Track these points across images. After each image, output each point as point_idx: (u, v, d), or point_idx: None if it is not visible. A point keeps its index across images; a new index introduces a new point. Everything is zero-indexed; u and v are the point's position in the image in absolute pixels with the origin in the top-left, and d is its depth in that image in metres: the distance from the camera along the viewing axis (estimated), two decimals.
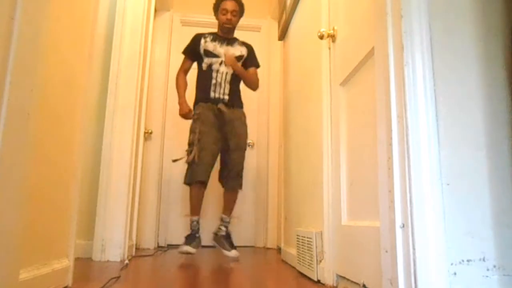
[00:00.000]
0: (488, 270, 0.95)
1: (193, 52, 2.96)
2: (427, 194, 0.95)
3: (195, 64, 3.01)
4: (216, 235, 2.79)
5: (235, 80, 2.91)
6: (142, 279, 1.83)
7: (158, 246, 3.50)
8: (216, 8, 3.02)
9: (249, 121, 3.51)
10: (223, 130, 2.80)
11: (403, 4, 1.04)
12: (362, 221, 1.43)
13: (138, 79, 2.70)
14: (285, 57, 3.20)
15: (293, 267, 2.27)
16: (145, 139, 3.23)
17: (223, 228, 2.79)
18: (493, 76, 1.04)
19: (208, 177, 2.71)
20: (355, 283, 1.45)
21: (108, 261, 2.39)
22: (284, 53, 3.26)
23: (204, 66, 2.90)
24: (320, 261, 1.78)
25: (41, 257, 1.32)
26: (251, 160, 3.79)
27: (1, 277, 0.94)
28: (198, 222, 2.72)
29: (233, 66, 2.85)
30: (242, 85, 2.99)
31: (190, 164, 2.69)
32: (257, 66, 3.04)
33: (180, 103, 2.86)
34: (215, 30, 3.06)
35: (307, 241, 1.94)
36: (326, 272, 1.73)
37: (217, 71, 2.86)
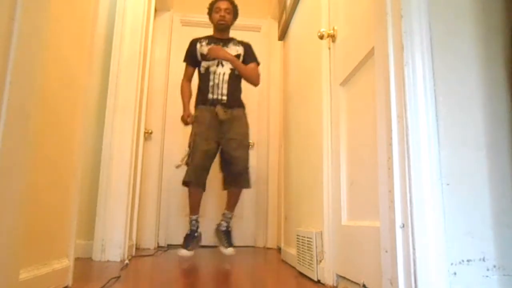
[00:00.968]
0: (488, 270, 0.95)
1: (192, 58, 2.97)
2: (427, 194, 0.95)
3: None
4: (217, 229, 2.84)
5: (234, 79, 2.89)
6: (142, 279, 1.83)
7: (158, 246, 3.50)
8: (210, 11, 3.04)
9: (249, 121, 3.51)
10: (222, 130, 2.79)
11: (403, 4, 1.04)
12: (362, 221, 1.43)
13: (138, 79, 2.70)
14: (285, 57, 3.20)
15: (293, 267, 2.27)
16: (145, 139, 3.23)
17: (224, 224, 2.81)
18: (493, 76, 1.04)
19: (200, 178, 2.70)
20: (355, 283, 1.45)
21: (108, 261, 2.39)
22: (284, 53, 3.26)
23: (202, 69, 2.91)
24: (320, 261, 1.78)
25: (41, 257, 1.32)
26: (251, 160, 3.76)
27: (1, 277, 0.94)
28: (197, 220, 2.75)
29: (223, 57, 2.82)
30: (244, 84, 2.98)
31: (189, 170, 2.73)
32: (257, 63, 3.00)
33: (183, 109, 2.90)
34: (211, 33, 3.06)
35: (307, 241, 1.94)
36: (326, 272, 1.73)
37: (214, 72, 2.87)
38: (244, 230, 3.73)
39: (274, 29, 3.83)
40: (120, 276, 1.80)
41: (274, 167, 3.69)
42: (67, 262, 1.51)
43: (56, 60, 1.37)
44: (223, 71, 2.87)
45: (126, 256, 2.49)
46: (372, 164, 1.34)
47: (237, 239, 3.65)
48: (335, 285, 1.70)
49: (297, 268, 2.14)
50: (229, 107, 2.83)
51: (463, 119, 1.01)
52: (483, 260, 0.95)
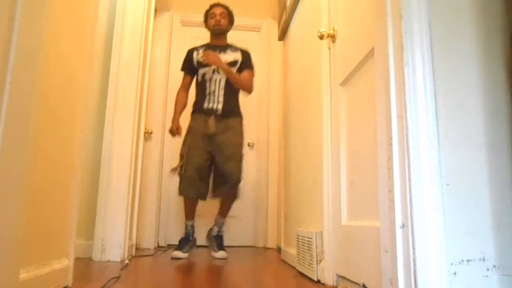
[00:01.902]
0: (488, 270, 0.95)
1: (189, 66, 2.98)
2: (427, 194, 0.95)
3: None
4: (208, 234, 2.95)
5: (231, 86, 2.88)
6: (142, 279, 1.83)
7: (158, 246, 3.50)
8: (206, 18, 3.05)
9: (249, 121, 3.52)
10: (215, 141, 2.79)
11: (403, 4, 1.04)
12: (362, 221, 1.43)
13: (138, 79, 2.70)
14: (285, 57, 3.20)
15: (293, 267, 2.27)
16: (145, 139, 3.23)
17: (216, 228, 2.91)
18: (493, 76, 1.04)
19: (193, 190, 2.75)
20: (355, 283, 1.45)
21: (108, 261, 2.39)
22: (284, 53, 3.26)
23: (199, 77, 2.93)
24: (320, 261, 1.78)
25: (41, 257, 1.32)
26: (251, 160, 3.79)
27: (1, 277, 0.94)
28: (192, 225, 2.86)
29: (217, 64, 2.80)
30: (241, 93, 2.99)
31: (180, 177, 2.78)
32: (252, 71, 2.97)
33: (172, 120, 2.93)
34: (208, 39, 3.08)
35: (307, 241, 1.94)
36: (326, 272, 1.73)
37: (210, 79, 2.88)
38: (244, 230, 3.73)
39: (274, 29, 3.83)
40: (120, 276, 1.80)
41: (274, 167, 3.69)
42: (67, 262, 1.51)
43: (56, 60, 1.37)
44: (219, 77, 2.87)
45: (126, 256, 2.49)
46: (372, 164, 1.34)
47: (237, 239, 3.66)
48: (335, 285, 1.70)
49: (297, 268, 2.14)
50: (224, 117, 2.82)
51: (463, 119, 1.01)
52: (483, 260, 0.95)
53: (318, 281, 1.77)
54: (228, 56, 2.94)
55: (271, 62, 3.87)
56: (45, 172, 1.32)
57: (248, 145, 3.81)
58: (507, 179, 0.99)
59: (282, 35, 3.22)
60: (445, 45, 1.04)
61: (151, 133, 3.48)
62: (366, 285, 1.33)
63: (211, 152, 2.79)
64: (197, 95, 2.94)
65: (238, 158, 2.80)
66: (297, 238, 2.17)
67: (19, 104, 0.99)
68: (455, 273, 0.94)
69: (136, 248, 2.98)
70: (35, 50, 1.07)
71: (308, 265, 1.90)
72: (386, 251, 1.03)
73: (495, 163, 1.00)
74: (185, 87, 3.01)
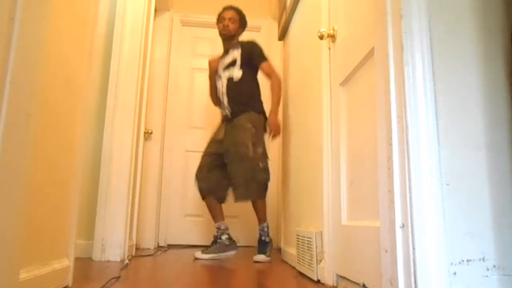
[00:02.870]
0: (488, 270, 0.95)
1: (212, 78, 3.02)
2: (427, 194, 0.95)
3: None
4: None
5: (232, 87, 2.83)
6: (142, 279, 1.83)
7: (158, 246, 3.50)
8: (217, 22, 3.01)
9: None
10: (224, 145, 2.78)
11: (403, 4, 1.04)
12: (362, 221, 1.43)
13: (138, 79, 2.70)
14: (285, 57, 3.20)
15: (293, 267, 2.27)
16: (145, 139, 3.23)
17: (259, 234, 2.81)
18: (493, 76, 1.04)
19: (205, 184, 2.75)
20: (355, 283, 1.45)
21: (108, 261, 2.39)
22: (284, 53, 3.26)
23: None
24: (320, 261, 1.78)
25: (41, 257, 1.32)
26: None
27: (1, 277, 0.94)
28: (219, 228, 2.74)
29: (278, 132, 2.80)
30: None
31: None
32: (262, 59, 2.83)
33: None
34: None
35: (307, 241, 1.94)
36: (326, 272, 1.73)
37: (217, 87, 2.92)
38: (244, 230, 3.72)
39: (274, 29, 3.83)
40: (120, 276, 1.80)
41: (274, 167, 3.68)
42: (67, 262, 1.51)
43: (56, 60, 1.36)
44: (222, 83, 2.89)
45: (126, 256, 2.49)
46: (372, 164, 1.34)
47: (237, 239, 3.64)
48: (335, 285, 1.70)
49: (297, 268, 2.14)
50: (233, 118, 2.80)
51: (463, 119, 1.01)
52: (483, 260, 0.95)
53: (318, 281, 1.77)
54: (228, 58, 2.91)
55: (271, 62, 3.87)
56: (45, 172, 1.32)
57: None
58: (507, 179, 0.99)
59: (282, 35, 3.22)
60: (445, 45, 1.04)
61: (151, 133, 3.48)
62: (366, 285, 1.33)
63: (223, 155, 2.77)
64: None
65: (243, 158, 2.63)
66: (297, 238, 2.17)
67: (19, 104, 0.99)
68: (455, 273, 0.94)
69: (136, 248, 2.98)
70: (35, 50, 1.07)
71: (308, 265, 1.90)
72: (386, 251, 1.03)
73: (495, 163, 1.00)
74: (210, 93, 3.09)
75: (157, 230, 3.54)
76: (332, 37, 1.88)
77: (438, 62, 1.03)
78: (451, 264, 0.94)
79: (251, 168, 2.63)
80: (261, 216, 2.77)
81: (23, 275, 1.13)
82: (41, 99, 1.21)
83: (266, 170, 2.71)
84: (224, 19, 2.92)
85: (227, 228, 2.74)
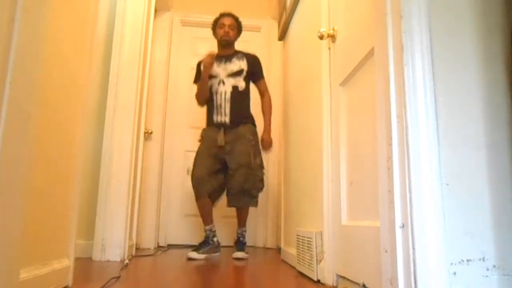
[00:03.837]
0: (488, 270, 0.95)
1: (199, 78, 2.99)
2: (426, 194, 0.95)
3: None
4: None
5: (237, 96, 2.88)
6: (142, 279, 1.83)
7: (158, 246, 3.50)
8: (214, 27, 3.05)
9: None
10: (226, 151, 2.81)
11: (403, 4, 1.04)
12: (362, 221, 1.43)
13: (138, 79, 2.70)
14: (285, 57, 3.20)
15: (293, 267, 2.27)
16: (145, 139, 3.23)
17: (239, 236, 2.93)
18: (493, 76, 1.04)
19: (201, 188, 2.75)
20: (355, 283, 1.45)
21: (108, 261, 2.39)
22: (284, 53, 3.26)
23: (208, 90, 2.94)
24: (320, 261, 1.78)
25: (41, 257, 1.32)
26: None
27: (1, 277, 0.94)
28: (211, 230, 2.83)
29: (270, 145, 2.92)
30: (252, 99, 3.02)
31: (191, 181, 2.82)
32: (261, 77, 3.03)
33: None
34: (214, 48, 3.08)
35: (307, 241, 1.94)
36: (326, 272, 1.73)
37: (217, 92, 2.89)
38: None
39: (274, 29, 3.83)
40: (120, 276, 1.80)
41: (274, 167, 3.69)
42: (67, 262, 1.51)
43: (56, 60, 1.37)
44: (225, 89, 2.89)
45: (126, 256, 2.49)
46: (372, 164, 1.35)
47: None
48: (335, 285, 1.70)
49: (297, 268, 2.14)
50: (233, 126, 2.83)
51: (463, 119, 1.01)
52: (483, 260, 0.95)
53: (318, 281, 1.77)
54: (234, 66, 2.94)
55: (271, 62, 3.87)
56: (45, 172, 1.32)
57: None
58: (507, 179, 0.99)
59: (282, 35, 3.22)
60: (445, 45, 1.04)
61: (151, 133, 3.48)
62: (366, 285, 1.33)
63: (222, 159, 2.82)
64: (207, 107, 2.97)
65: (245, 167, 2.73)
66: (297, 238, 2.17)
67: (19, 104, 0.99)
68: (455, 273, 0.94)
69: (136, 248, 2.98)
70: (35, 50, 1.07)
71: (308, 265, 1.90)
72: (386, 251, 1.03)
73: (495, 163, 1.00)
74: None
75: (157, 230, 3.54)
76: (332, 37, 1.88)
77: (438, 62, 1.03)
78: (451, 264, 0.94)
79: (251, 177, 2.75)
80: (243, 221, 2.92)
81: (23, 275, 1.14)
82: (41, 99, 1.21)
83: (262, 181, 2.84)
84: (224, 26, 2.97)
85: (215, 231, 2.87)
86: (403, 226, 0.97)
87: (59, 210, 1.47)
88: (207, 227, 2.81)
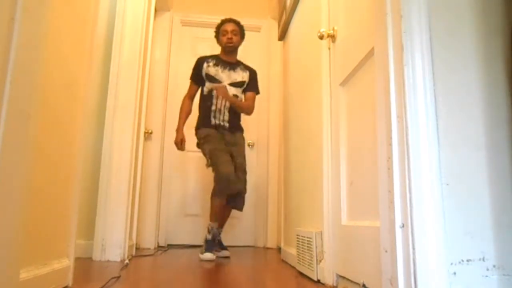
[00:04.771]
0: (488, 270, 0.95)
1: (198, 76, 2.99)
2: (426, 194, 0.95)
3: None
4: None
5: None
6: (142, 279, 1.83)
7: (158, 246, 3.50)
8: (217, 34, 3.06)
9: (249, 121, 3.53)
10: (230, 149, 2.86)
11: (403, 4, 1.04)
12: (362, 221, 1.43)
13: (138, 79, 2.70)
14: (285, 57, 3.20)
15: (293, 267, 2.27)
16: (145, 139, 3.24)
17: (215, 235, 2.86)
18: (493, 76, 1.04)
19: (233, 185, 2.74)
20: (355, 283, 1.45)
21: (108, 261, 2.39)
22: (284, 53, 3.26)
23: (205, 90, 2.94)
24: (320, 261, 1.78)
25: (41, 257, 1.32)
26: (251, 160, 3.79)
27: (1, 277, 0.94)
28: (218, 229, 2.86)
29: (225, 98, 2.88)
30: None
31: (219, 180, 2.71)
32: (257, 92, 3.06)
33: (176, 130, 2.93)
34: (217, 49, 3.09)
35: (307, 241, 1.94)
36: (326, 272, 1.73)
37: (217, 97, 2.90)
38: (244, 230, 3.73)
39: (274, 29, 3.83)
40: (120, 276, 1.80)
41: (274, 167, 3.69)
42: (67, 262, 1.51)
43: (56, 60, 1.37)
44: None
45: (126, 256, 2.49)
46: (372, 164, 1.35)
47: (237, 239, 3.66)
48: (335, 285, 1.70)
49: (297, 268, 2.14)
50: (233, 131, 2.91)
51: (463, 119, 1.01)
52: (483, 260, 0.95)
53: (318, 281, 1.77)
54: (237, 76, 2.98)
55: (271, 62, 3.87)
56: (45, 172, 1.32)
57: (248, 145, 3.81)
58: (507, 179, 0.99)
59: (282, 35, 3.22)
60: (445, 45, 1.04)
61: (151, 133, 3.48)
62: (366, 285, 1.33)
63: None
64: (202, 108, 2.95)
65: (243, 171, 2.88)
66: (297, 238, 2.17)
67: (19, 104, 0.99)
68: (455, 273, 0.94)
69: (136, 248, 2.98)
70: (35, 50, 1.07)
71: (308, 265, 1.90)
72: (386, 251, 1.03)
73: (495, 163, 1.00)
74: (190, 96, 3.03)
75: (157, 230, 3.54)
76: (332, 37, 1.88)
77: (438, 62, 1.03)
78: (451, 264, 0.94)
79: (245, 182, 2.89)
80: (224, 221, 2.95)
81: (23, 275, 1.14)
82: (41, 99, 1.21)
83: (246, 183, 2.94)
84: (227, 32, 2.98)
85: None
86: (403, 226, 0.97)
87: (59, 210, 1.47)
88: (216, 224, 2.80)
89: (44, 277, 1.29)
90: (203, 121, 2.90)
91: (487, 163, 1.00)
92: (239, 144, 2.94)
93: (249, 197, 3.76)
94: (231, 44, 2.97)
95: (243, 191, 2.86)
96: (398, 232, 0.98)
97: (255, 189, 3.80)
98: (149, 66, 3.11)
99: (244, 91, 3.02)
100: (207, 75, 2.93)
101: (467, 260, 0.95)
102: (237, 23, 3.03)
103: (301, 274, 2.03)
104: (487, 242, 0.96)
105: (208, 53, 3.10)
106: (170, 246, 3.55)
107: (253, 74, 3.06)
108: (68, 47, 1.48)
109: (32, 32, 1.05)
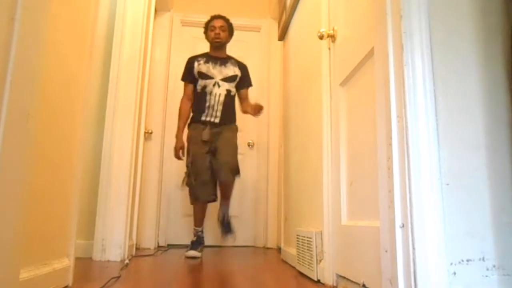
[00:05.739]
0: (487, 270, 0.95)
1: (190, 75, 3.00)
2: (426, 194, 0.95)
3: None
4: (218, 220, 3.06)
5: (229, 100, 2.96)
6: (142, 279, 1.83)
7: (158, 246, 3.50)
8: (206, 30, 3.08)
9: (249, 121, 3.52)
10: (211, 147, 2.85)
11: (403, 4, 1.04)
12: (362, 221, 1.43)
13: (138, 79, 2.70)
14: (285, 57, 3.20)
15: (293, 267, 2.27)
16: (145, 139, 3.23)
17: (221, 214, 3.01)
18: (493, 76, 1.04)
19: (212, 194, 2.85)
20: (355, 283, 1.45)
21: (108, 261, 2.39)
22: (284, 53, 3.26)
23: (199, 87, 2.96)
24: (320, 261, 1.78)
25: (42, 257, 1.32)
26: (251, 160, 3.79)
27: (1, 277, 0.94)
28: (202, 231, 2.96)
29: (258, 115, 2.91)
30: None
31: (191, 186, 2.83)
32: (250, 85, 3.09)
33: (176, 136, 2.94)
34: (208, 49, 3.10)
35: (307, 241, 1.94)
36: (326, 272, 1.73)
37: (211, 93, 2.92)
38: (244, 230, 3.73)
39: (274, 29, 3.83)
40: (120, 276, 1.80)
41: (274, 167, 3.69)
42: (67, 262, 1.51)
43: (56, 60, 1.37)
44: (219, 92, 2.92)
45: (126, 256, 2.49)
46: (372, 164, 1.35)
47: (237, 239, 3.65)
48: (335, 285, 1.70)
49: (297, 268, 2.14)
50: (221, 124, 2.90)
51: (463, 119, 1.02)
52: (483, 260, 0.95)
53: (318, 281, 1.77)
54: (229, 70, 2.99)
55: (271, 62, 3.87)
56: (45, 172, 1.32)
57: (248, 145, 3.81)
58: (507, 179, 0.99)
59: (282, 35, 3.22)
60: (445, 45, 1.04)
61: (151, 133, 3.48)
62: (366, 285, 1.33)
63: (210, 151, 2.85)
64: (195, 105, 2.96)
65: (232, 147, 2.88)
66: (297, 238, 2.17)
67: (19, 104, 0.99)
68: (454, 273, 0.94)
69: (136, 248, 2.98)
70: (35, 50, 1.07)
71: (308, 265, 1.90)
72: (386, 251, 1.03)
73: (495, 163, 1.00)
74: (188, 97, 3.02)
75: (157, 230, 3.54)
76: (332, 37, 1.88)
77: (438, 62, 1.03)
78: (451, 264, 0.94)
79: (236, 156, 2.90)
80: (230, 195, 3.00)
81: (24, 274, 1.14)
82: (41, 99, 1.21)
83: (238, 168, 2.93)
84: (215, 28, 3.01)
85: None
86: (403, 226, 0.97)
87: (59, 210, 1.47)
88: (199, 229, 2.94)
89: (44, 277, 1.29)
90: (195, 117, 2.94)
91: (487, 163, 1.00)
92: (228, 134, 2.89)
93: (249, 197, 3.77)
94: (218, 40, 2.99)
95: (232, 166, 2.82)
96: (398, 232, 0.98)
97: (255, 189, 3.80)
98: (149, 66, 3.10)
99: (237, 87, 3.02)
100: (199, 72, 2.95)
101: (467, 260, 0.95)
102: (226, 19, 3.05)
103: (301, 274, 2.03)
104: (487, 242, 0.96)
105: None
106: (170, 246, 3.55)
107: (244, 69, 3.07)
108: (68, 47, 1.48)
109: (32, 32, 1.05)
